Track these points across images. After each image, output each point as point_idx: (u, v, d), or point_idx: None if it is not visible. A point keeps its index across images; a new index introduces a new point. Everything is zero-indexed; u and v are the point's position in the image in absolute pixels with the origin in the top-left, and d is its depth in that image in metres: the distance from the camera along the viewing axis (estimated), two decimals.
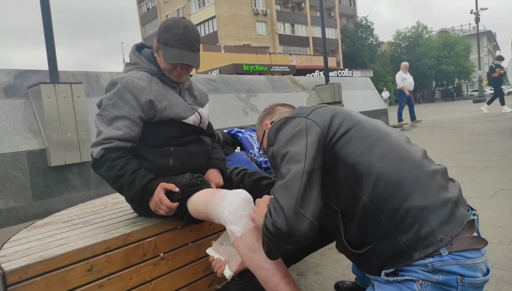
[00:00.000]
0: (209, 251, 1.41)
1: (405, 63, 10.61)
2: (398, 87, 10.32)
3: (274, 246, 1.06)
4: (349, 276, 1.73)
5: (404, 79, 10.17)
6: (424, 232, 0.98)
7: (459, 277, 0.96)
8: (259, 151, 1.54)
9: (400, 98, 10.46)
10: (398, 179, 1.03)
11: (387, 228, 1.02)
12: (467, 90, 54.72)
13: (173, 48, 1.52)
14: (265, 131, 1.43)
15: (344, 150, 1.09)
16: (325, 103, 1.33)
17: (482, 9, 26.69)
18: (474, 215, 1.07)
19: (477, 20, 26.24)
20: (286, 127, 1.16)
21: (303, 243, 1.03)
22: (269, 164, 2.41)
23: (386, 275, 1.04)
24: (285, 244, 1.03)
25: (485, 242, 1.01)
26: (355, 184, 1.06)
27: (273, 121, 1.38)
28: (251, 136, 2.47)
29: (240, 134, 2.47)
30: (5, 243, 1.43)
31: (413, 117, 10.49)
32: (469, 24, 57.50)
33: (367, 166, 1.06)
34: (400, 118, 10.61)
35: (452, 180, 1.13)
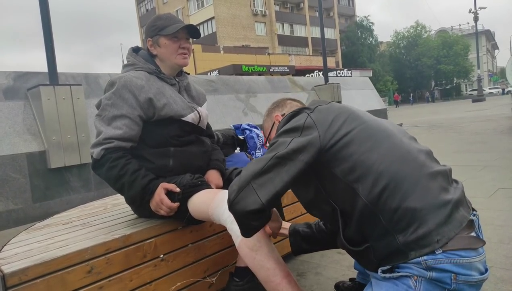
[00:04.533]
0: None
1: None
2: None
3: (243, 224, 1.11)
4: (349, 277, 1.73)
5: None
6: (421, 233, 0.99)
7: (452, 274, 0.97)
8: (266, 143, 1.55)
9: None
10: (397, 180, 1.04)
11: (385, 227, 1.03)
12: (466, 90, 54.79)
13: (171, 25, 1.60)
14: (274, 123, 1.44)
15: (345, 151, 1.08)
16: (335, 102, 1.32)
17: (480, 8, 26.76)
18: (474, 215, 1.07)
19: (476, 19, 26.29)
20: (291, 120, 1.18)
21: (248, 220, 1.06)
22: None
23: (383, 272, 1.06)
24: (233, 214, 1.08)
25: (482, 242, 1.02)
26: (354, 183, 1.06)
27: (284, 114, 1.42)
28: (258, 136, 2.44)
29: (247, 132, 2.45)
30: (5, 245, 1.43)
31: None
32: (468, 23, 57.64)
33: (367, 167, 1.06)
34: None
35: (456, 182, 1.13)
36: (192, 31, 1.65)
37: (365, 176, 1.05)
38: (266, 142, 1.54)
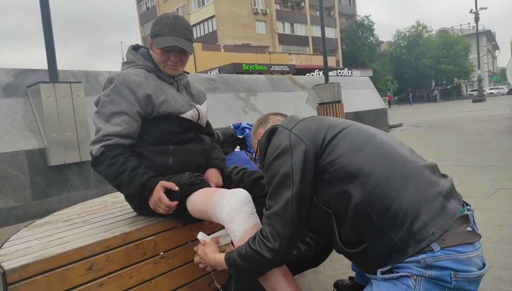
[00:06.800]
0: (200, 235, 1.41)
1: None
2: None
3: (261, 271, 1.19)
4: (348, 275, 1.73)
5: None
6: (416, 227, 1.00)
7: (452, 272, 0.97)
8: (255, 160, 1.56)
9: None
10: (387, 176, 1.06)
11: (380, 225, 1.03)
12: (467, 90, 54.77)
13: (164, 36, 1.55)
14: (259, 140, 1.46)
15: (332, 155, 1.12)
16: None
17: (481, 8, 26.74)
18: (468, 210, 1.08)
19: (477, 19, 26.30)
20: (273, 139, 1.22)
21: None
22: None
23: (382, 273, 1.06)
24: (273, 267, 1.18)
25: (478, 236, 1.02)
26: (345, 185, 1.08)
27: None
28: None
29: (247, 131, 2.46)
30: (5, 242, 1.43)
31: None
32: (469, 23, 57.61)
33: (356, 167, 1.08)
34: None
35: (444, 176, 1.15)
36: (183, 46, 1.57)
37: (356, 177, 1.07)
38: (255, 160, 1.55)
